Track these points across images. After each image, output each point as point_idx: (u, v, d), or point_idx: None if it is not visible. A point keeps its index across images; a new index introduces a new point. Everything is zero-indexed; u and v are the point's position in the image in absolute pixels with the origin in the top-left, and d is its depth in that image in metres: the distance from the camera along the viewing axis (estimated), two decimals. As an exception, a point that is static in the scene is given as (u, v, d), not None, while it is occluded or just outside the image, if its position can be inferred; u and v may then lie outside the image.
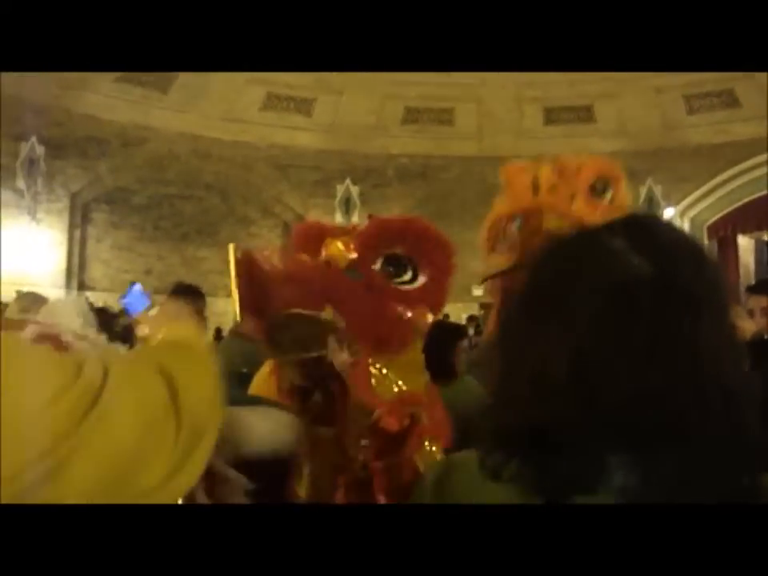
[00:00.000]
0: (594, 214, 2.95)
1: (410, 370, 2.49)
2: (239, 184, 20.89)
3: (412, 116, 21.07)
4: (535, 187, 2.99)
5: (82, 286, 19.39)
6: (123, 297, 1.85)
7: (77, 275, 19.68)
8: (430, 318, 2.51)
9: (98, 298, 14.97)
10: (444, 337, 4.89)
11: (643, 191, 19.57)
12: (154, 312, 1.84)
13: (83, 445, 1.01)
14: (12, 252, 18.06)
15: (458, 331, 5.32)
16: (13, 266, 17.91)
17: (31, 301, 5.09)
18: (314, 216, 20.10)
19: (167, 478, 1.11)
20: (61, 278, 18.90)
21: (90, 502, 1.02)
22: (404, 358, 2.44)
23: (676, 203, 19.96)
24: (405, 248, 2.50)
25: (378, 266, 2.45)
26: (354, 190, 20.55)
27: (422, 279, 2.51)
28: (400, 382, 2.36)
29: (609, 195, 2.94)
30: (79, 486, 1.01)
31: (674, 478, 1.10)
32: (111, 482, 1.05)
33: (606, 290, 1.14)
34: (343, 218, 20.22)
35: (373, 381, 2.32)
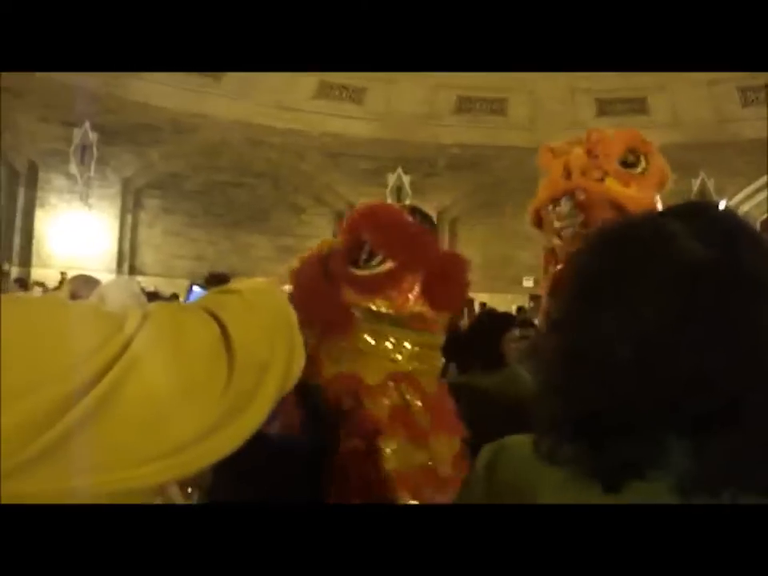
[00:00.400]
0: (627, 187, 3.09)
1: (427, 351, 2.52)
2: (291, 172, 20.97)
3: (464, 106, 21.00)
4: (567, 171, 3.07)
5: (132, 271, 19.57)
6: (185, 298, 1.80)
7: (128, 260, 19.89)
8: (404, 304, 2.48)
9: (149, 283, 15.10)
10: (493, 325, 4.88)
11: (696, 184, 19.36)
12: None
13: (112, 393, 0.97)
14: (64, 237, 18.27)
15: (507, 320, 5.28)
16: (65, 251, 18.12)
17: (82, 283, 5.09)
18: (365, 205, 20.10)
19: (212, 429, 1.06)
20: (112, 262, 19.09)
21: (121, 456, 0.98)
22: (423, 339, 2.48)
23: (729, 197, 19.70)
24: (372, 236, 2.49)
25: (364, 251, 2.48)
26: (406, 180, 20.52)
27: (387, 265, 2.48)
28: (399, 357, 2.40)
29: (641, 167, 3.07)
30: (108, 439, 0.97)
31: (729, 463, 1.09)
32: (142, 433, 1.00)
33: (668, 274, 1.15)
34: (394, 207, 20.18)
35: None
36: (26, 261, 18.30)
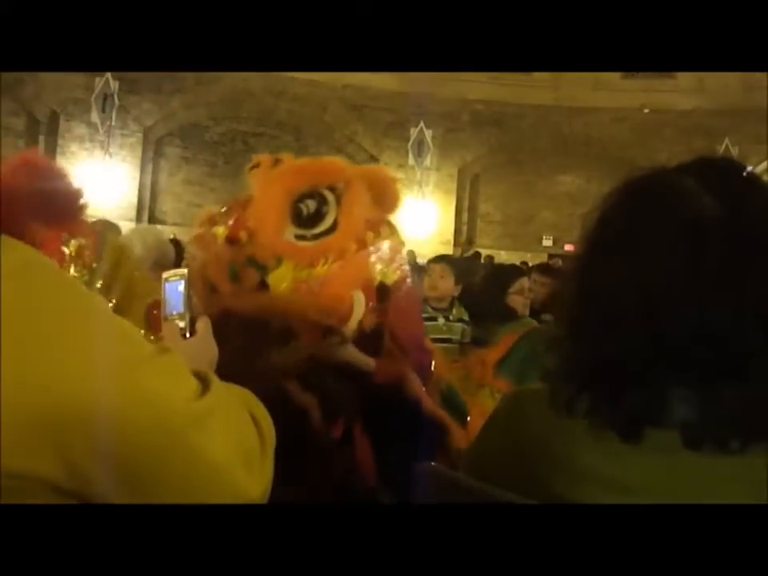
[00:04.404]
0: None
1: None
2: (313, 123, 20.91)
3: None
4: None
5: (152, 220, 19.66)
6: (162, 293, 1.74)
7: (147, 209, 19.95)
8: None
9: (169, 231, 15.15)
10: (498, 278, 4.90)
11: (720, 150, 19.21)
12: None
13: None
14: (85, 185, 18.28)
15: (513, 272, 5.29)
16: (86, 199, 18.17)
17: (102, 228, 5.10)
18: (388, 158, 20.11)
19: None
20: (132, 211, 19.15)
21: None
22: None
23: (753, 165, 19.53)
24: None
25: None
26: (428, 134, 20.39)
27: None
28: None
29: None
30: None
31: (735, 412, 1.12)
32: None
33: (676, 228, 1.17)
34: (415, 161, 20.18)
35: None
36: (46, 208, 18.36)
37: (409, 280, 2.62)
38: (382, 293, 2.54)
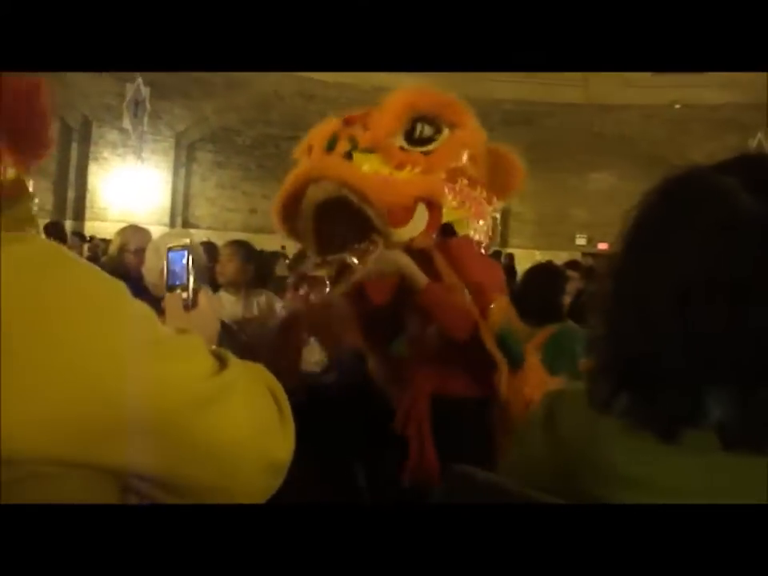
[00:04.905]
0: (400, 168, 2.60)
1: None
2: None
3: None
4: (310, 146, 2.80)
5: (186, 224, 19.75)
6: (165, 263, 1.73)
7: (181, 213, 20.06)
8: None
9: (202, 236, 15.22)
10: (549, 279, 4.90)
11: (753, 145, 19.04)
12: None
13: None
14: (118, 191, 18.43)
15: (563, 274, 5.27)
16: (118, 204, 18.29)
17: (132, 233, 5.11)
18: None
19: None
20: (165, 216, 19.27)
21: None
22: None
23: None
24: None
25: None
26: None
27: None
28: None
29: (440, 141, 2.67)
30: None
31: None
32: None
33: (715, 227, 1.15)
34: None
35: None
36: (79, 214, 18.52)
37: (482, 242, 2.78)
38: (446, 229, 2.67)
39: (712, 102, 18.83)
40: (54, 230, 10.09)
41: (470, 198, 2.71)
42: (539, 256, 16.99)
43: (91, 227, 17.60)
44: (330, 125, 2.72)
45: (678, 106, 19.68)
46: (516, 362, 2.67)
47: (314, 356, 2.60)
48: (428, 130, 2.64)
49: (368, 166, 2.53)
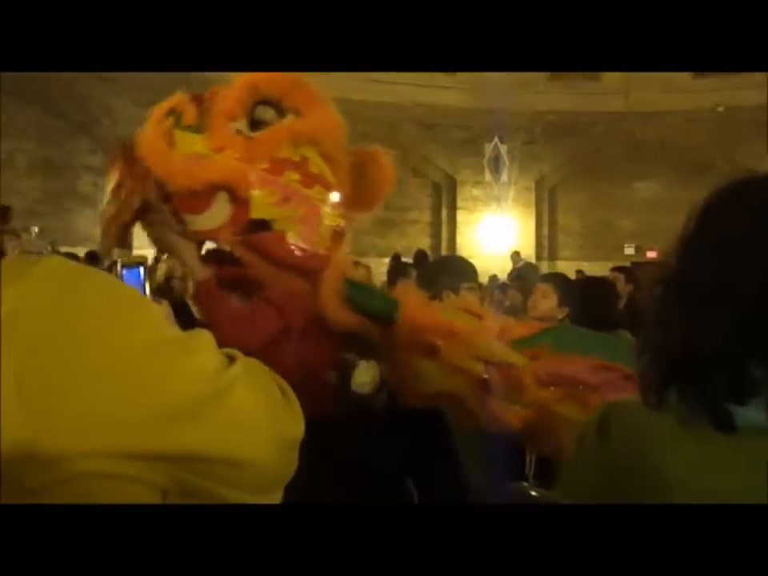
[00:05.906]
0: (220, 150, 2.41)
1: None
2: (385, 144, 20.76)
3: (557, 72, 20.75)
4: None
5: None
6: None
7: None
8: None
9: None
10: (604, 292, 4.91)
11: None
12: None
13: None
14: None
15: (613, 285, 5.30)
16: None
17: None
18: (464, 176, 20.16)
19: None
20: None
21: None
22: None
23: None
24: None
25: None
26: (503, 149, 20.32)
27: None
28: None
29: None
30: None
31: None
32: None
33: None
34: (492, 177, 20.14)
35: None
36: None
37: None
38: (260, 226, 2.47)
39: (755, 102, 18.58)
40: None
41: (298, 196, 2.47)
42: (588, 267, 16.91)
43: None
44: (173, 99, 2.46)
45: (720, 109, 19.47)
46: (385, 314, 2.57)
47: (363, 376, 2.55)
48: (268, 114, 2.47)
49: (185, 146, 2.34)
